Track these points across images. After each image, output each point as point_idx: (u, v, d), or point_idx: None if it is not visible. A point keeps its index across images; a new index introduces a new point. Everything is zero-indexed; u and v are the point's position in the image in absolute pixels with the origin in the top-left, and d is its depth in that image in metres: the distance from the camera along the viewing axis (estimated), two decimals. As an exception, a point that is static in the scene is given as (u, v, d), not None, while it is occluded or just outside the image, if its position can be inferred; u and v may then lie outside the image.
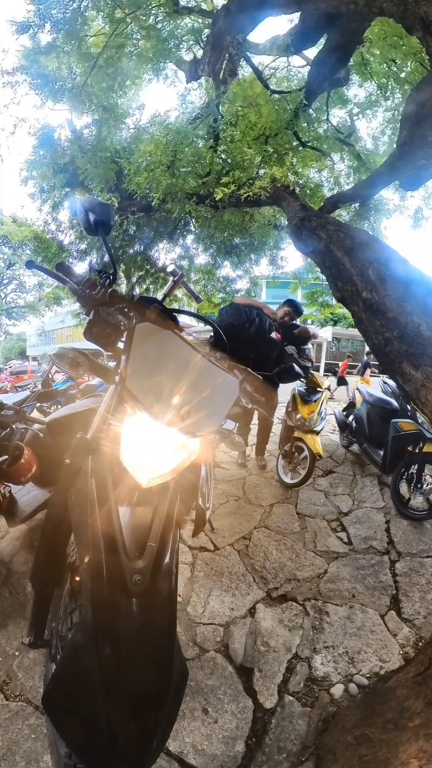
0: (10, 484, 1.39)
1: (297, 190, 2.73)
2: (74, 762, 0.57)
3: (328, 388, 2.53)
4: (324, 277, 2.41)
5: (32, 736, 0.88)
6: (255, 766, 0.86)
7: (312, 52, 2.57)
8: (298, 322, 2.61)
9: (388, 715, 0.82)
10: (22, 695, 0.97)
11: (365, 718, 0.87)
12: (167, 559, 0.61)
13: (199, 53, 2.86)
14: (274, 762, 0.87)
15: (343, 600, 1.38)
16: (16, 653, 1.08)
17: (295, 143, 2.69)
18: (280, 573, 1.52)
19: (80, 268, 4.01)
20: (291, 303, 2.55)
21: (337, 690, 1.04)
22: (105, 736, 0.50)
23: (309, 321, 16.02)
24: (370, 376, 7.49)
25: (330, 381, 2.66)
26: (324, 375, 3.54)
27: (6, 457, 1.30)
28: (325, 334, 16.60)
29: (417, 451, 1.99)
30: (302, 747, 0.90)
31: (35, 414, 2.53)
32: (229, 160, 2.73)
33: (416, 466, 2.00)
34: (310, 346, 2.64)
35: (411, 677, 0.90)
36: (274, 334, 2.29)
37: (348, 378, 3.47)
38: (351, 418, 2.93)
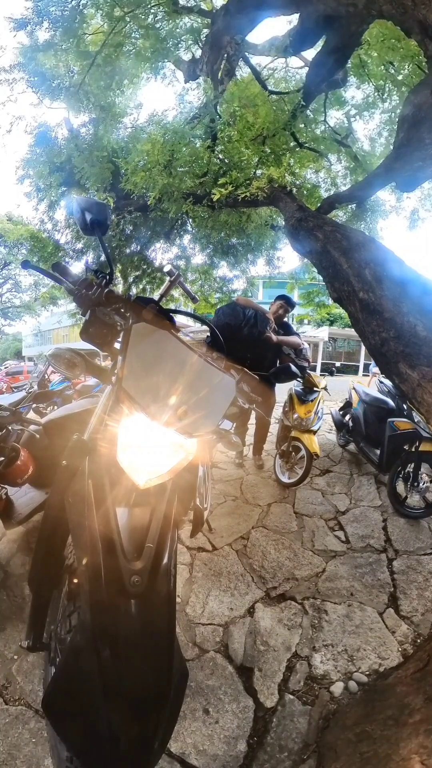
0: (6, 486, 1.38)
1: (294, 190, 2.74)
2: (75, 766, 0.57)
3: (325, 388, 2.55)
4: (321, 278, 2.43)
5: (33, 740, 0.87)
6: (257, 765, 0.87)
7: (310, 54, 2.58)
8: (292, 322, 2.61)
9: (388, 712, 0.82)
10: (21, 699, 0.96)
11: (365, 715, 0.87)
12: (165, 560, 0.61)
13: (198, 53, 2.86)
14: (276, 761, 0.87)
15: (342, 598, 1.38)
16: (15, 657, 1.07)
17: (292, 144, 2.69)
18: (278, 572, 1.52)
19: (77, 267, 3.98)
20: (283, 297, 2.58)
21: (337, 688, 1.04)
22: (106, 739, 0.49)
23: (306, 321, 16.11)
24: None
25: (327, 381, 2.67)
26: (321, 375, 3.57)
27: (2, 458, 1.29)
28: (322, 334, 16.70)
29: (413, 449, 2.01)
30: (304, 745, 0.90)
31: (31, 415, 2.51)
32: (226, 161, 2.72)
33: (413, 465, 2.01)
34: (307, 346, 2.66)
35: (410, 674, 0.91)
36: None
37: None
38: (348, 417, 2.95)
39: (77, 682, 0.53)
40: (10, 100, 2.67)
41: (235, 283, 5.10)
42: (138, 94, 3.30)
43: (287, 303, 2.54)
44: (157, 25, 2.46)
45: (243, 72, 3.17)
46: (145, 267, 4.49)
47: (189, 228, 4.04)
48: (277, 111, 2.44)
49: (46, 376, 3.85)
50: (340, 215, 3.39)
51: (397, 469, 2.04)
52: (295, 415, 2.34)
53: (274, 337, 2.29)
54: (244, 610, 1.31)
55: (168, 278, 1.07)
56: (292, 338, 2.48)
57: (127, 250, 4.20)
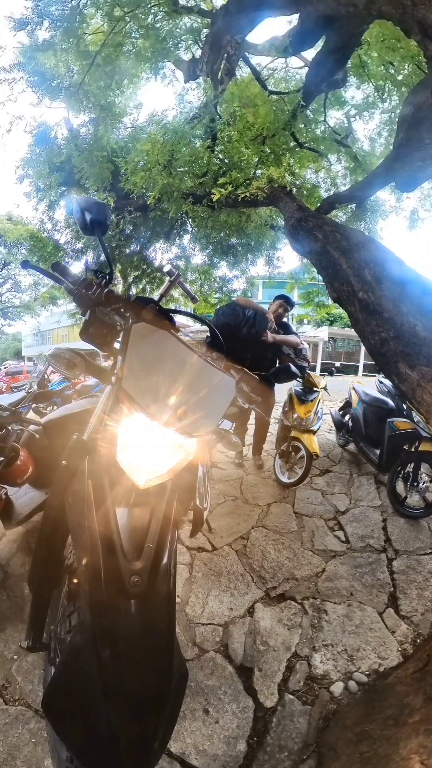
0: (6, 486, 1.38)
1: (294, 190, 2.74)
2: (75, 766, 0.57)
3: (325, 388, 2.55)
4: (320, 278, 2.42)
5: (32, 740, 0.87)
6: (257, 765, 0.87)
7: (310, 54, 2.58)
8: (292, 322, 2.63)
9: (388, 712, 0.83)
10: (21, 699, 0.96)
11: (365, 715, 0.87)
12: (165, 560, 0.61)
13: (198, 53, 2.86)
14: (276, 761, 0.87)
15: (342, 598, 1.38)
16: (15, 657, 1.07)
17: (292, 144, 2.69)
18: (278, 572, 1.52)
19: (76, 267, 3.98)
20: (282, 296, 2.60)
21: (337, 688, 1.04)
22: (106, 739, 0.49)
23: (306, 321, 16.12)
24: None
25: (326, 381, 2.67)
26: (320, 375, 3.57)
27: (2, 458, 1.29)
28: (322, 334, 16.72)
29: (413, 449, 2.01)
30: (303, 745, 0.90)
31: (31, 415, 2.51)
32: (226, 161, 2.72)
33: (412, 465, 2.01)
34: (306, 345, 2.66)
35: (410, 674, 0.91)
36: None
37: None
38: (347, 417, 2.95)
39: (77, 682, 0.53)
40: (10, 99, 2.66)
41: (234, 283, 5.11)
42: (138, 94, 3.30)
43: (286, 302, 2.56)
44: (157, 25, 2.45)
45: (243, 72, 3.17)
46: (144, 267, 4.49)
47: (189, 228, 4.04)
48: (277, 111, 2.43)
49: (46, 376, 3.85)
50: (339, 215, 3.39)
51: (396, 469, 2.04)
52: (295, 415, 2.34)
53: (270, 338, 2.29)
54: (244, 610, 1.31)
55: (168, 278, 1.07)
56: (290, 337, 2.49)
57: (127, 250, 4.20)
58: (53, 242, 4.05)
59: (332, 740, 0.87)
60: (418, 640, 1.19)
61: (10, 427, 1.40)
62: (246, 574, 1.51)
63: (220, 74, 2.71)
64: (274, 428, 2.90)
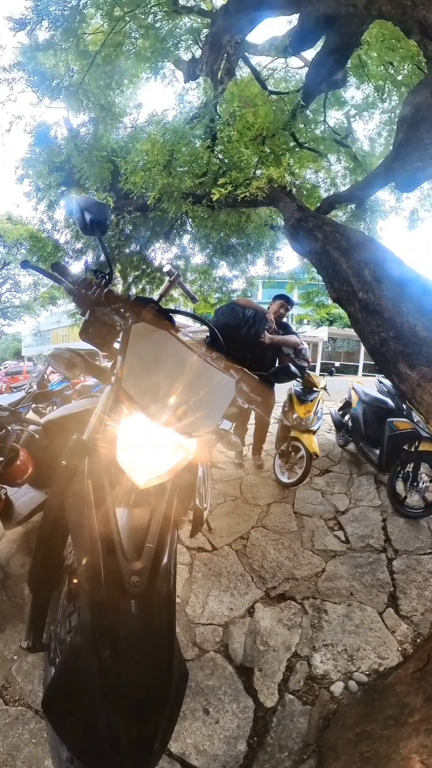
0: (5, 486, 1.38)
1: (294, 190, 2.74)
2: (76, 766, 0.57)
3: (324, 388, 2.55)
4: (320, 278, 2.43)
5: (33, 740, 0.87)
6: (257, 765, 0.87)
7: (310, 54, 2.58)
8: (291, 322, 2.63)
9: (388, 712, 0.83)
10: (21, 700, 0.96)
11: (366, 715, 0.88)
12: (165, 560, 0.61)
13: (198, 53, 2.86)
14: (276, 761, 0.87)
15: (342, 598, 1.38)
16: (15, 657, 1.07)
17: (292, 144, 2.69)
18: (278, 572, 1.52)
19: (76, 267, 3.98)
20: (282, 296, 2.61)
21: (337, 687, 1.04)
22: (106, 739, 0.49)
23: (305, 321, 16.14)
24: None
25: (326, 380, 2.68)
26: (320, 375, 3.59)
27: (2, 458, 1.29)
28: (321, 334, 16.74)
29: (413, 449, 2.01)
30: (304, 745, 0.90)
31: (31, 415, 2.51)
32: (226, 161, 2.72)
33: (412, 465, 2.01)
34: (306, 346, 2.66)
35: (410, 673, 0.91)
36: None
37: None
38: (347, 417, 2.95)
39: (77, 683, 0.53)
40: (10, 99, 2.66)
41: (234, 283, 5.11)
42: (138, 94, 3.31)
43: (286, 302, 2.56)
44: (157, 25, 2.45)
45: (243, 72, 3.17)
46: (144, 267, 4.49)
47: (189, 228, 4.04)
48: (276, 111, 2.44)
49: (46, 376, 3.85)
50: (339, 215, 3.39)
51: (396, 469, 2.04)
52: (295, 415, 2.34)
53: (268, 339, 2.30)
54: (244, 610, 1.31)
55: (167, 278, 1.07)
56: (289, 337, 2.49)
57: (127, 250, 4.20)
58: (53, 242, 4.05)
59: (332, 740, 0.87)
60: (418, 640, 1.20)
61: (10, 427, 1.40)
62: (246, 574, 1.51)
63: (220, 74, 2.71)
64: (274, 428, 2.90)
